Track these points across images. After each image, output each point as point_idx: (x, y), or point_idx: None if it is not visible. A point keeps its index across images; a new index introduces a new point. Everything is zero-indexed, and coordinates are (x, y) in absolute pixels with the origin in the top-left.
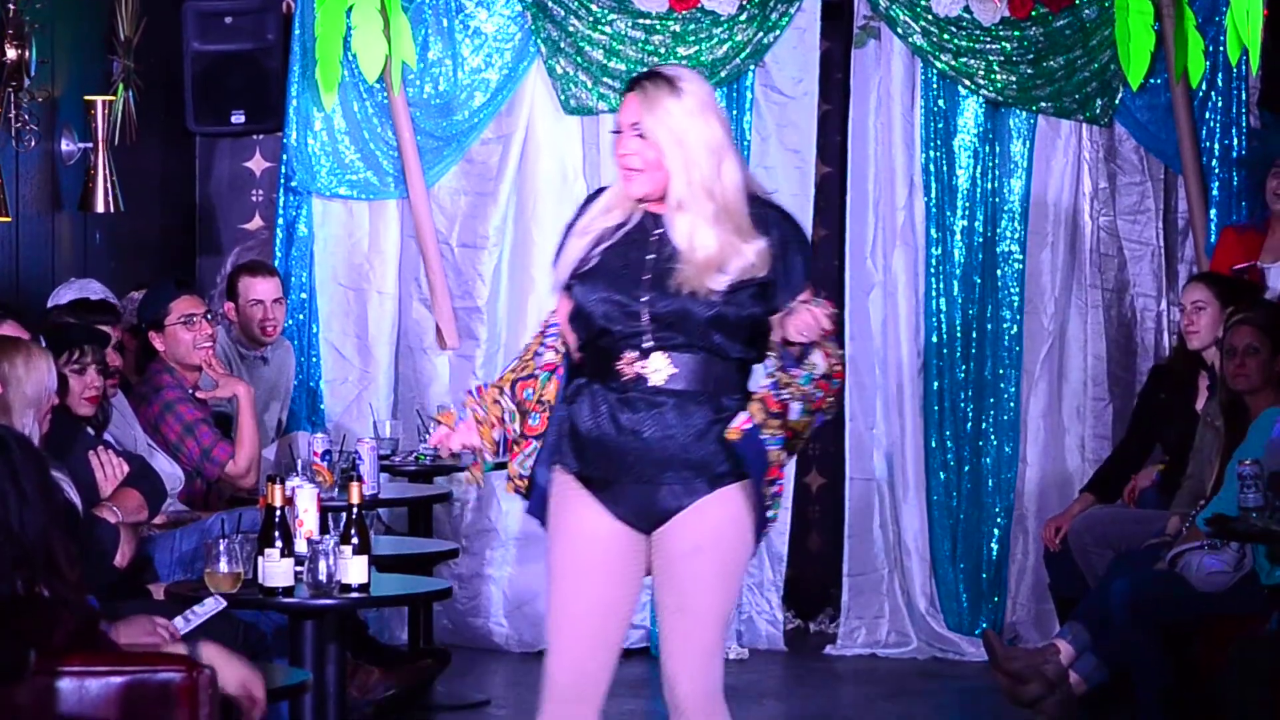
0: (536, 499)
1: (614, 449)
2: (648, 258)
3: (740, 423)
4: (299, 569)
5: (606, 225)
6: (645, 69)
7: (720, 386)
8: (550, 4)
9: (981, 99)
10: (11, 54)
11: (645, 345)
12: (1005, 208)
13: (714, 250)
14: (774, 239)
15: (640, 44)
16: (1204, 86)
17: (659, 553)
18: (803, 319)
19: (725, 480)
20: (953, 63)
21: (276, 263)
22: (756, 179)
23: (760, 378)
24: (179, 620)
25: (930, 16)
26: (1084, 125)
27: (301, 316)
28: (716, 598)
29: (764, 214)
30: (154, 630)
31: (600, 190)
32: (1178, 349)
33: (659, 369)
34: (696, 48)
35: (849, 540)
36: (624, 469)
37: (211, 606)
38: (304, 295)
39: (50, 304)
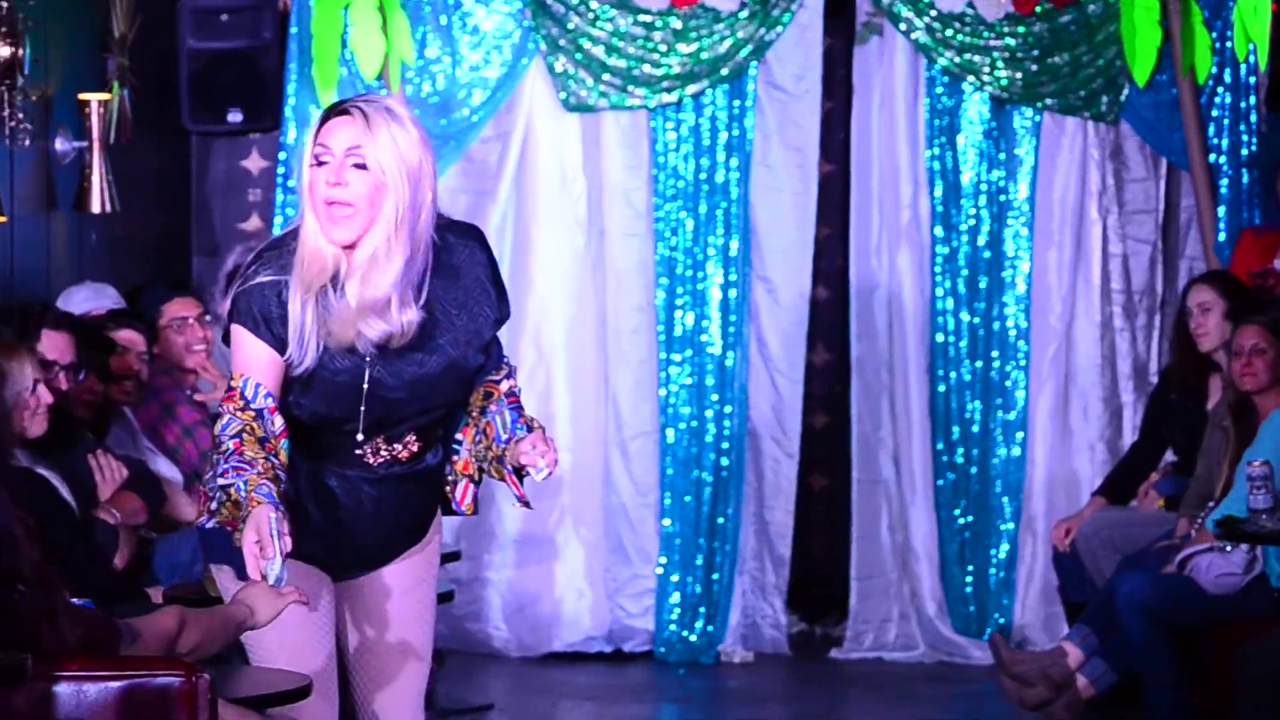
0: None
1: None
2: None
3: None
4: None
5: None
6: (646, 65)
7: None
8: (549, 1)
9: (986, 96)
10: (5, 52)
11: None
12: (1011, 206)
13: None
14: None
15: (640, 41)
16: (1211, 83)
17: (367, 590)
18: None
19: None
20: (956, 59)
21: None
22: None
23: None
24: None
25: (933, 12)
26: (1089, 122)
27: None
28: (430, 631)
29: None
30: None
31: (260, 254)
32: (1178, 349)
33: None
34: (697, 44)
35: (856, 543)
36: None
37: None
38: None
39: (60, 305)
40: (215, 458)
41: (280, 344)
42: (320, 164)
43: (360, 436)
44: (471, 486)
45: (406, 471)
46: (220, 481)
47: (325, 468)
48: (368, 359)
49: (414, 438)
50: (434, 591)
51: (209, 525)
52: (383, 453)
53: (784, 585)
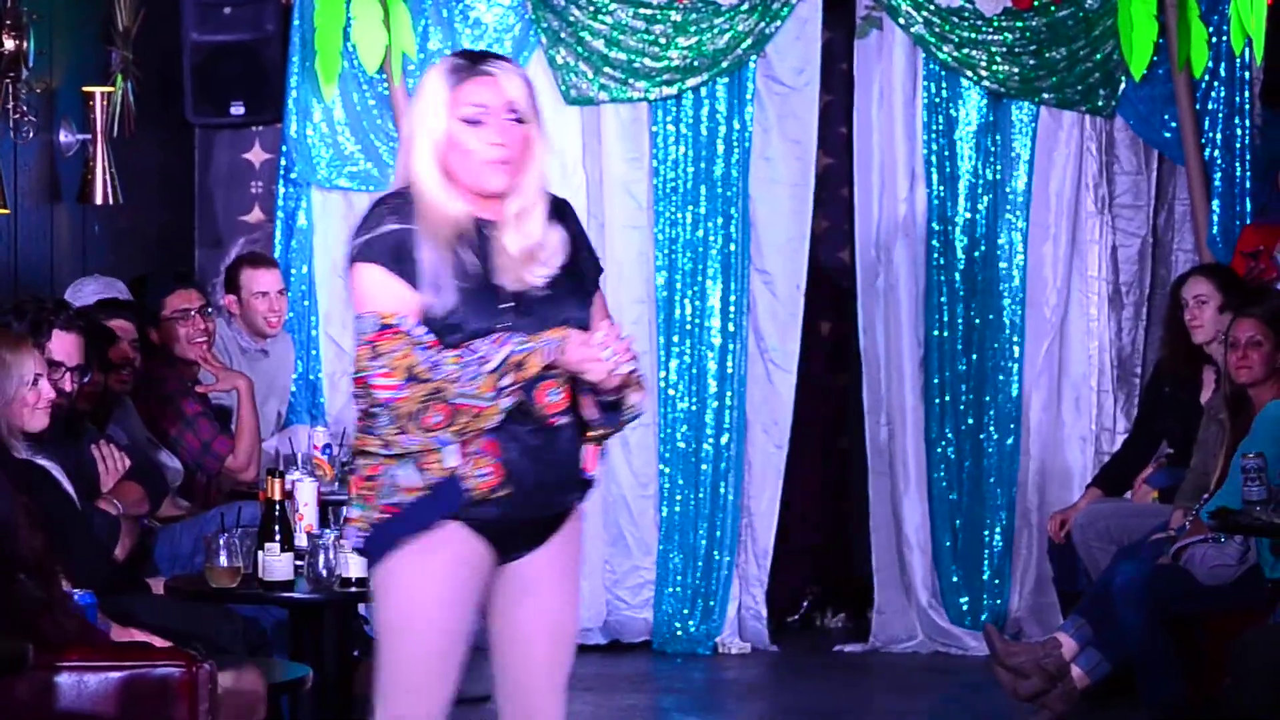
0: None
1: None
2: (496, 263)
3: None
4: (299, 563)
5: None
6: (646, 58)
7: None
8: None
9: (983, 90)
10: (9, 45)
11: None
12: (1007, 200)
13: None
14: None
15: (641, 34)
16: (1207, 77)
17: (524, 572)
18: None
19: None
20: (955, 53)
21: (276, 255)
22: None
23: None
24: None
25: (932, 7)
26: (1086, 116)
27: (302, 309)
28: (578, 619)
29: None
30: None
31: (380, 204)
32: (1170, 342)
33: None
34: (698, 37)
35: (851, 535)
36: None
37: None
38: (304, 288)
39: (69, 298)
40: (447, 373)
41: (412, 285)
42: (474, 123)
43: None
44: (596, 449)
45: (554, 424)
46: (494, 361)
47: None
48: (505, 312)
49: (553, 387)
50: (579, 582)
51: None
52: (534, 404)
53: (765, 576)
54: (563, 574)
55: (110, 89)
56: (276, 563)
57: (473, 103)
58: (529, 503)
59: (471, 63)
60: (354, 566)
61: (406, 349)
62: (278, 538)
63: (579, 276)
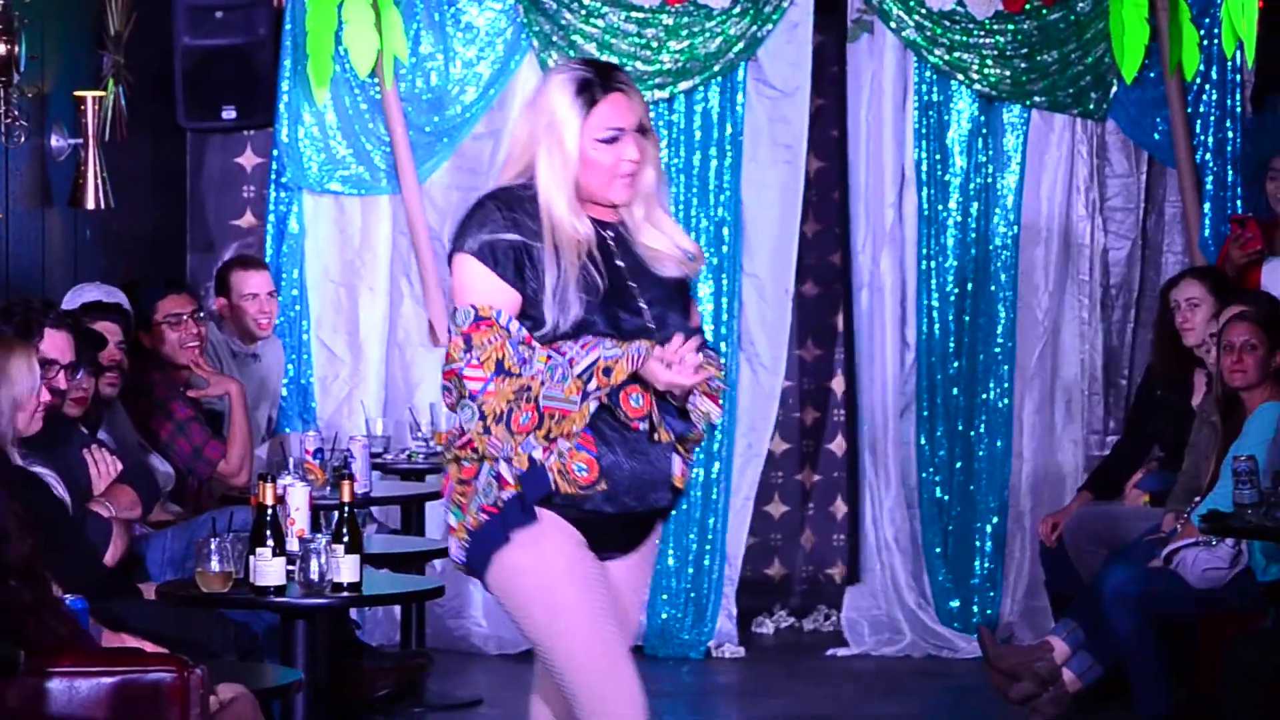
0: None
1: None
2: (620, 264)
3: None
4: (290, 568)
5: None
6: (638, 62)
7: None
8: None
9: (975, 93)
10: (1, 49)
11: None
12: (998, 203)
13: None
14: None
15: (632, 37)
16: (1198, 80)
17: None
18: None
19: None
20: (946, 57)
21: (268, 259)
22: None
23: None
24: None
25: (924, 10)
26: (1077, 119)
27: (293, 314)
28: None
29: None
30: None
31: (494, 200)
32: (1160, 345)
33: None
34: (689, 41)
35: (841, 538)
36: (627, 497)
37: None
38: (295, 292)
39: (65, 305)
40: (536, 371)
41: (521, 293)
42: (610, 141)
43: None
44: (683, 462)
45: (637, 428)
46: (582, 365)
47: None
48: (639, 312)
49: (635, 393)
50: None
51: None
52: (619, 408)
53: (736, 577)
54: (639, 587)
55: (102, 93)
56: (268, 567)
57: (609, 125)
58: (623, 498)
59: (600, 79)
60: (345, 571)
61: (500, 342)
62: (269, 542)
63: (684, 279)
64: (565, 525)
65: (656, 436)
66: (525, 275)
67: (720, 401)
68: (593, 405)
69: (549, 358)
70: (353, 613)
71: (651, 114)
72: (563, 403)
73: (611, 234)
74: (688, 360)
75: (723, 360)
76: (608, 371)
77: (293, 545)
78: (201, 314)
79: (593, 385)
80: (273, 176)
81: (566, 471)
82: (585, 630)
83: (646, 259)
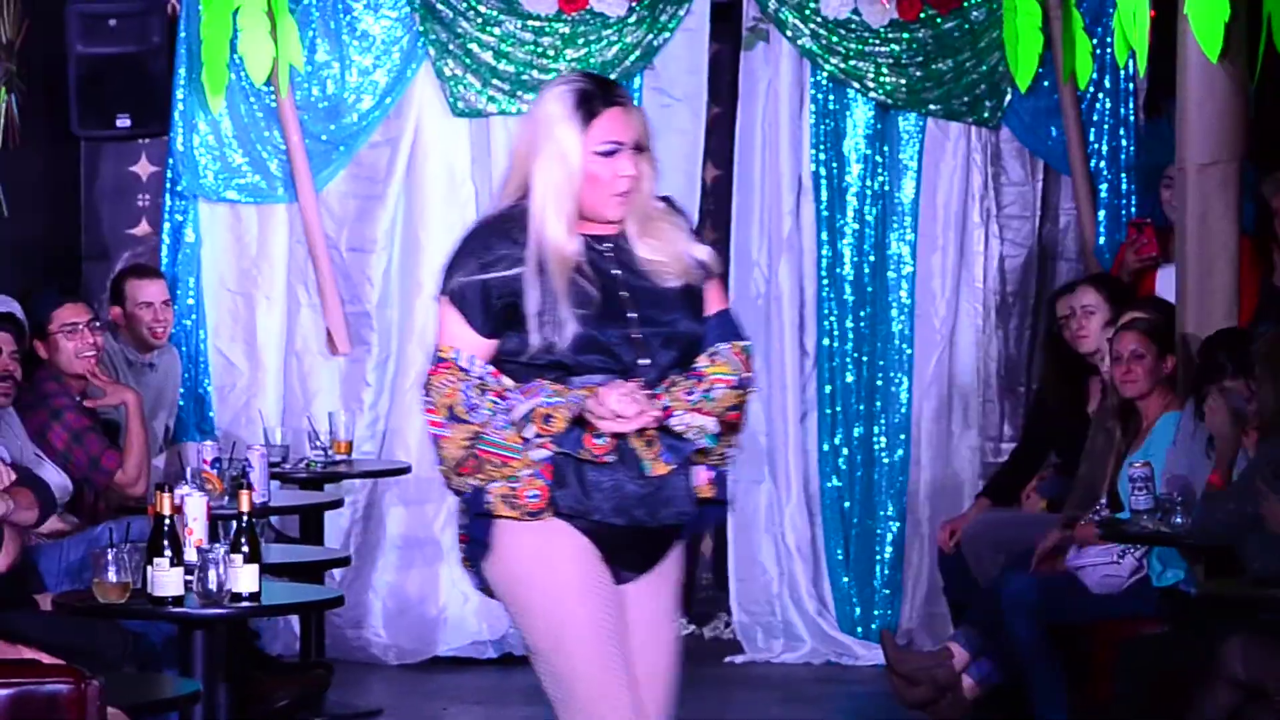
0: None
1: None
2: (617, 276)
3: None
4: (189, 578)
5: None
6: (535, 70)
7: None
8: (438, 5)
9: (871, 101)
10: None
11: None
12: (895, 211)
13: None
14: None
15: (529, 46)
16: (1092, 88)
17: (630, 606)
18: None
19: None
20: (842, 65)
21: (164, 268)
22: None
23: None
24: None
25: (819, 19)
26: (972, 127)
27: (189, 323)
28: (678, 663)
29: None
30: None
31: (474, 237)
32: (1050, 354)
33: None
34: (585, 49)
35: (736, 545)
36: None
37: None
38: (191, 301)
39: None
40: (483, 418)
41: (490, 332)
42: (607, 155)
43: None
44: (705, 472)
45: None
46: (520, 411)
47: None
48: (631, 322)
49: (597, 431)
50: (676, 625)
51: (484, 498)
52: (582, 446)
53: None
54: (663, 616)
55: None
56: (166, 578)
57: (609, 139)
58: (633, 511)
59: (601, 91)
60: (244, 581)
61: (453, 387)
62: (167, 552)
63: (689, 287)
64: (576, 535)
65: (650, 469)
66: (495, 309)
67: (729, 409)
68: (536, 454)
69: (494, 404)
70: (252, 623)
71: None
72: (502, 449)
73: (609, 246)
74: (620, 406)
75: (740, 356)
76: (548, 419)
77: (191, 555)
78: (98, 323)
79: (530, 432)
80: (168, 185)
81: (516, 497)
82: (586, 649)
83: (647, 272)
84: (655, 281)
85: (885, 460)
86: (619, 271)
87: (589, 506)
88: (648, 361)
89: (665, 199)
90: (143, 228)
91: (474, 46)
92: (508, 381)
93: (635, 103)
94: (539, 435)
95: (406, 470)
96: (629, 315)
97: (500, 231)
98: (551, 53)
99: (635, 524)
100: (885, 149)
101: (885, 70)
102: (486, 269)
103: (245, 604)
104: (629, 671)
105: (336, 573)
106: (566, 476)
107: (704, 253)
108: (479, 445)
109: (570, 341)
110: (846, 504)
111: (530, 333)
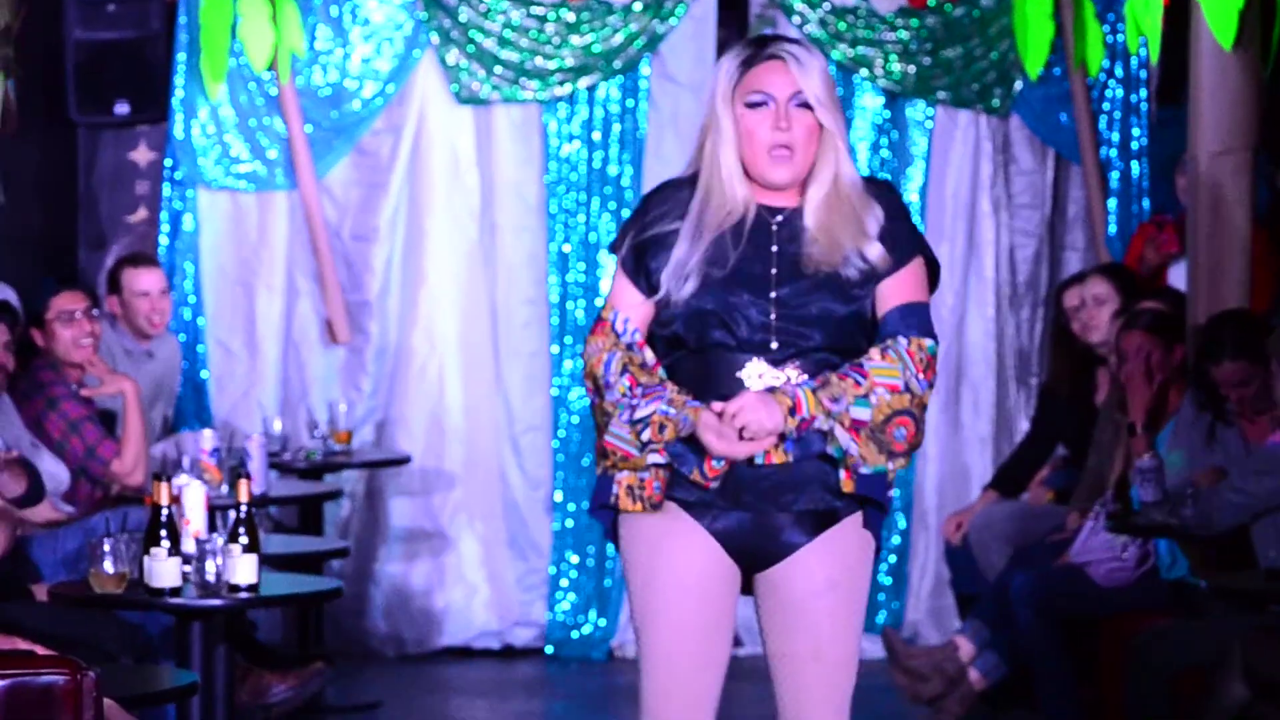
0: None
1: (743, 475)
2: (774, 251)
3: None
4: (186, 569)
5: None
6: (539, 58)
7: None
8: None
9: (879, 89)
10: None
11: (776, 353)
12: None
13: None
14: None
15: (533, 33)
16: (1103, 76)
17: (777, 591)
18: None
19: (852, 508)
20: (850, 52)
21: (162, 256)
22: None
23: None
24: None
25: (827, 5)
26: (982, 115)
27: (188, 311)
28: (853, 639)
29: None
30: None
31: (648, 198)
32: (1057, 350)
33: (790, 379)
34: (590, 37)
35: None
36: (752, 496)
37: None
38: (190, 289)
39: None
40: (615, 400)
41: (646, 288)
42: (755, 107)
43: (745, 356)
44: (847, 473)
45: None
46: (640, 414)
47: (706, 397)
48: (770, 302)
49: (800, 371)
50: (858, 598)
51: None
52: (766, 378)
53: None
54: (826, 588)
55: None
56: (163, 568)
57: (757, 89)
58: (748, 498)
59: (760, 47)
60: (242, 572)
61: (600, 354)
62: (164, 543)
63: (842, 277)
64: (693, 528)
65: (761, 458)
66: (651, 264)
67: (894, 415)
68: (652, 457)
69: (626, 391)
70: (250, 614)
71: (558, 113)
72: (626, 444)
73: (780, 219)
74: (726, 431)
75: (915, 354)
76: (662, 428)
77: (188, 546)
78: (95, 311)
79: (647, 435)
80: (167, 172)
81: (644, 487)
82: (663, 644)
83: (806, 253)
84: (809, 264)
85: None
86: (777, 247)
87: (706, 498)
88: (776, 342)
89: (873, 180)
90: (141, 215)
91: (477, 34)
92: (649, 356)
93: (816, 59)
94: (653, 442)
95: (406, 461)
96: (771, 294)
97: (671, 192)
98: (556, 40)
99: (748, 509)
100: (894, 137)
101: (894, 57)
102: (646, 228)
103: (243, 595)
104: (706, 670)
105: (335, 563)
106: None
107: (875, 252)
108: (605, 437)
109: (685, 299)
110: None
111: (664, 277)
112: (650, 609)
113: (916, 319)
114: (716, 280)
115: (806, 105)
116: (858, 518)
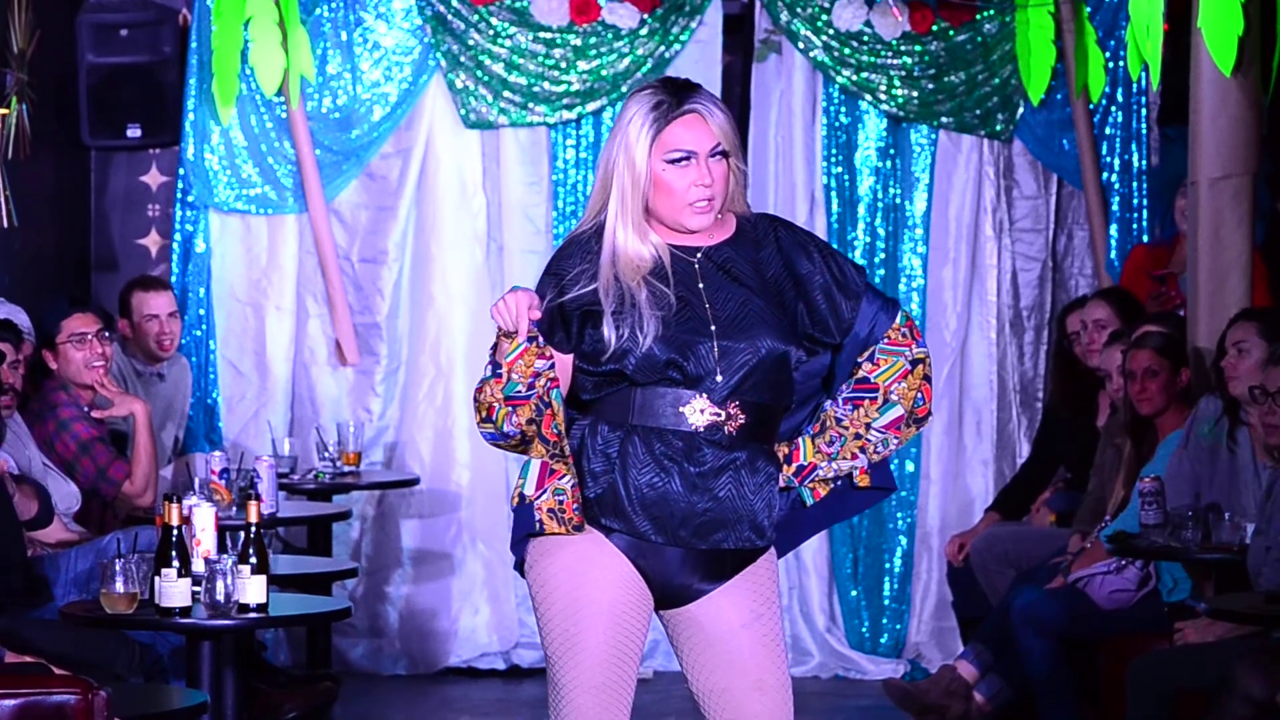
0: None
1: (676, 509)
2: (701, 288)
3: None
4: (196, 589)
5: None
6: (546, 82)
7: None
8: (450, 18)
9: (883, 114)
10: None
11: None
12: (906, 223)
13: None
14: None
15: (541, 58)
16: (1104, 101)
17: (703, 629)
18: None
19: (769, 547)
20: (854, 78)
21: (173, 279)
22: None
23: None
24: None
25: (832, 31)
26: (985, 140)
27: (199, 333)
28: (786, 663)
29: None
30: None
31: (553, 261)
32: (1059, 375)
33: (731, 417)
34: (597, 62)
35: None
36: (686, 532)
37: None
38: (201, 312)
39: None
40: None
41: (576, 344)
42: (677, 162)
43: (690, 393)
44: (816, 491)
45: (731, 448)
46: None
47: (643, 429)
48: (711, 334)
49: (738, 410)
50: (779, 622)
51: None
52: (706, 414)
53: None
54: (752, 619)
55: (5, 111)
56: (174, 588)
57: (677, 146)
58: (678, 530)
59: (675, 98)
60: (252, 592)
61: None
62: (175, 563)
63: (780, 304)
64: (613, 554)
65: (748, 475)
66: (574, 328)
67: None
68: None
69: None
70: (259, 634)
71: (565, 137)
72: (488, 383)
73: (700, 256)
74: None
75: (897, 334)
76: (552, 511)
77: (198, 566)
78: (107, 333)
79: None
80: (178, 195)
81: (563, 510)
82: (586, 672)
83: (735, 285)
84: (741, 295)
85: (895, 474)
86: (703, 284)
87: (631, 521)
88: (721, 378)
89: (767, 221)
90: (152, 238)
91: (485, 59)
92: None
93: (719, 106)
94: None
95: (415, 482)
96: (710, 328)
97: (579, 248)
98: (563, 65)
99: (678, 544)
100: (897, 161)
101: (897, 82)
102: (564, 291)
103: (253, 615)
104: (624, 693)
105: (346, 583)
106: (614, 488)
107: (801, 267)
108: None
109: (649, 341)
110: (856, 519)
111: (605, 329)
112: (571, 636)
113: (876, 307)
114: (669, 322)
115: (722, 153)
116: (771, 551)
